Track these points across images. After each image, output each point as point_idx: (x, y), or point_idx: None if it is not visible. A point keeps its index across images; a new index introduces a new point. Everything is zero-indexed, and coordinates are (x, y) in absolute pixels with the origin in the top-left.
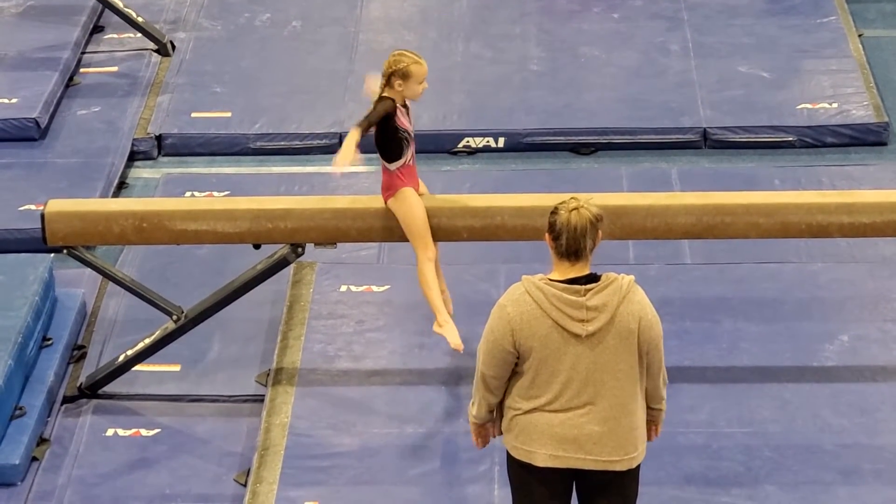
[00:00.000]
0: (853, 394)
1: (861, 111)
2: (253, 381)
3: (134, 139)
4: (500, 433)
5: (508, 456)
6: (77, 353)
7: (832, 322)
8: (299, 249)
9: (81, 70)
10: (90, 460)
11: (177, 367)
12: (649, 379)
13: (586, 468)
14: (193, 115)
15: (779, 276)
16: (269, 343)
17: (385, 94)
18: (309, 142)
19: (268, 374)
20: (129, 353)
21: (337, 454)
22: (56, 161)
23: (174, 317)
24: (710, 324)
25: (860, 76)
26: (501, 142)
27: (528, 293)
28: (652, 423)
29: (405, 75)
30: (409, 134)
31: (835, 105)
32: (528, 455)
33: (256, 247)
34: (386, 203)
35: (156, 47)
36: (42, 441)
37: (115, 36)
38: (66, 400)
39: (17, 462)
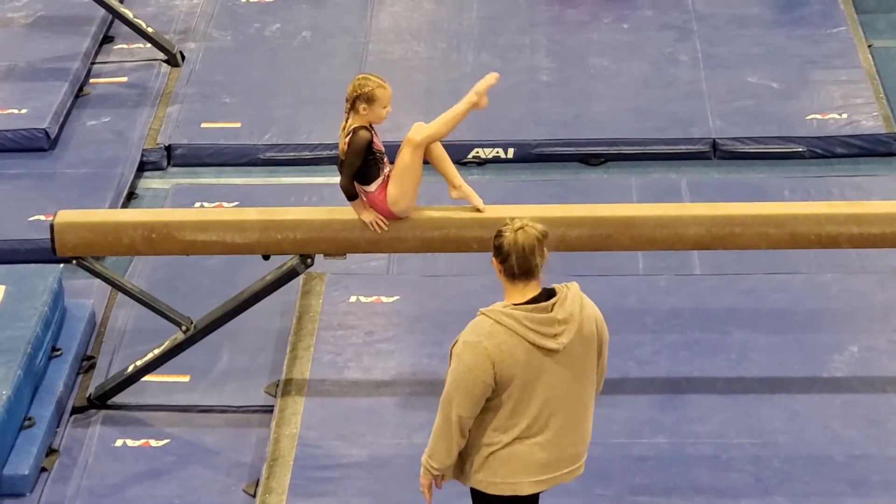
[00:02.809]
0: (863, 405)
1: (871, 122)
2: (262, 392)
3: (143, 149)
4: (454, 477)
5: (477, 493)
6: (86, 363)
7: (842, 333)
8: (309, 260)
9: (91, 80)
10: (99, 471)
11: (186, 378)
12: (599, 376)
13: (563, 482)
14: (203, 125)
15: (788, 286)
16: (279, 354)
17: (352, 125)
18: (318, 152)
19: (277, 385)
20: (139, 363)
21: (346, 465)
22: (66, 171)
23: (183, 327)
24: (720, 334)
25: (870, 87)
26: (511, 153)
27: (498, 323)
28: None
29: (370, 99)
30: (382, 154)
31: (844, 116)
32: (513, 488)
33: (266, 257)
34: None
35: (165, 58)
36: (51, 451)
37: (124, 46)
38: (75, 410)
39: (26, 472)
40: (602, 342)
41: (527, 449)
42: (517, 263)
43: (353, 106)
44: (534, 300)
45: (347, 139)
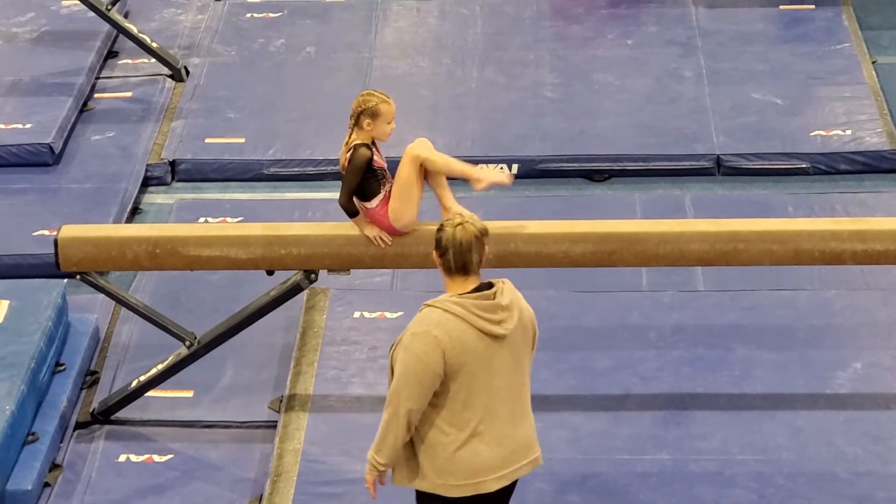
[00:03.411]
0: (867, 421)
1: (875, 138)
2: (266, 408)
3: (148, 164)
4: (407, 483)
5: (433, 498)
6: (90, 378)
7: (845, 349)
8: (313, 276)
9: (96, 95)
10: (103, 486)
11: (190, 393)
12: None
13: (523, 474)
14: (207, 140)
15: (792, 303)
16: (282, 369)
17: (355, 140)
18: (323, 168)
19: (280, 401)
20: (142, 378)
21: (350, 480)
22: (70, 186)
23: (187, 342)
24: (723, 351)
25: (874, 103)
26: (515, 168)
27: (447, 312)
28: None
29: (374, 114)
30: (384, 170)
31: (848, 132)
32: (476, 487)
33: (270, 273)
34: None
35: (170, 73)
36: (54, 467)
37: (129, 61)
38: (78, 425)
39: (29, 488)
40: (535, 337)
41: (485, 445)
42: (454, 258)
43: (357, 121)
44: (478, 289)
45: (348, 155)
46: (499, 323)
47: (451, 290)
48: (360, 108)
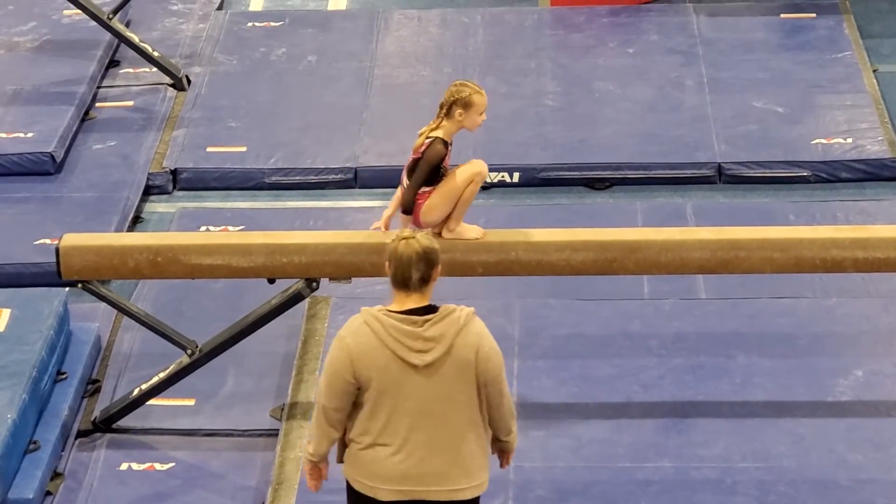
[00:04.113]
0: (868, 429)
1: (876, 146)
2: (267, 416)
3: (149, 173)
4: (340, 461)
5: (348, 484)
6: (91, 387)
7: (847, 357)
8: (314, 284)
9: (97, 104)
10: (104, 494)
11: (191, 402)
12: (492, 410)
13: (431, 499)
14: (209, 149)
15: (793, 311)
16: (284, 377)
17: (436, 133)
18: (324, 177)
19: (282, 409)
20: (144, 387)
21: None
22: (71, 195)
23: (189, 351)
24: (725, 358)
25: (875, 111)
26: (516, 177)
27: (366, 324)
28: (502, 453)
29: (467, 105)
30: (446, 170)
31: (850, 140)
32: (372, 490)
33: (271, 281)
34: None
35: (171, 82)
36: (56, 475)
37: (130, 70)
38: (80, 434)
39: (31, 496)
40: (483, 375)
41: (385, 456)
42: (394, 271)
43: (448, 111)
44: (412, 312)
45: (426, 143)
46: (417, 352)
47: (393, 303)
48: (452, 98)
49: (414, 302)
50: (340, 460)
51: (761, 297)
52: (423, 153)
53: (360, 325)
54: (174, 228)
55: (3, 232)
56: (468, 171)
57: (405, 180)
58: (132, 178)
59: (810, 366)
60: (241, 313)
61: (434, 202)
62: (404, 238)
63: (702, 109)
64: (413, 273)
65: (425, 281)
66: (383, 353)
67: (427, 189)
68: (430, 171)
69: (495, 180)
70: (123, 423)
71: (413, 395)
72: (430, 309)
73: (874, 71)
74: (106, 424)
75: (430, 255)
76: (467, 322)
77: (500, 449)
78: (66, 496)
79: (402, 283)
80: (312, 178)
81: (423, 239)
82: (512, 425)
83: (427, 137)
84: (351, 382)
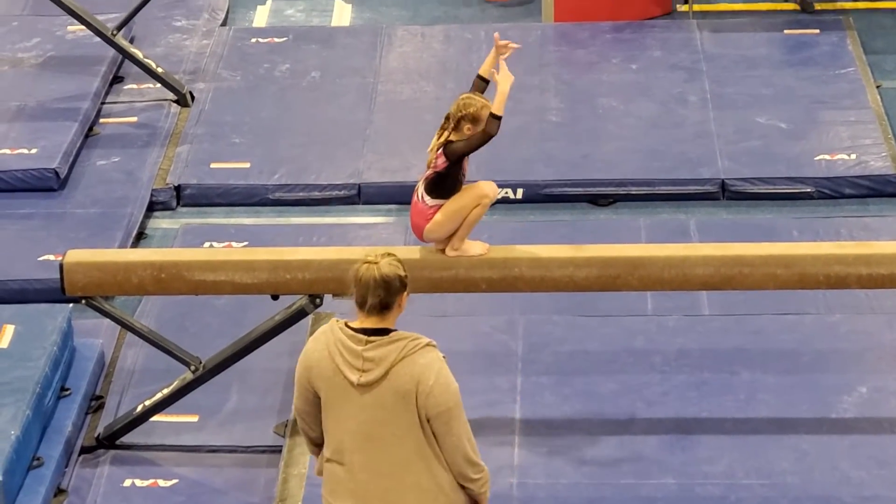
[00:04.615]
0: (872, 446)
1: (879, 162)
2: (271, 432)
3: (153, 189)
4: (318, 474)
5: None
6: (95, 403)
7: (851, 373)
8: (317, 300)
9: (101, 120)
10: None
11: (195, 418)
12: (445, 452)
13: None
14: (212, 165)
15: (797, 327)
16: (287, 394)
17: (452, 139)
18: (328, 192)
19: (286, 425)
20: (147, 403)
21: None
22: (75, 211)
23: (192, 367)
24: (728, 375)
25: (878, 127)
26: (520, 193)
27: (324, 333)
28: (473, 501)
29: (475, 119)
30: (464, 177)
31: (853, 156)
32: (327, 501)
33: (275, 297)
34: (423, 234)
35: (175, 98)
36: (60, 492)
37: (134, 86)
38: (83, 450)
39: None
40: (424, 410)
41: (338, 473)
42: (355, 293)
43: (456, 125)
44: (364, 331)
45: (440, 152)
46: (354, 369)
47: (355, 321)
48: (460, 112)
49: (373, 323)
50: (318, 473)
51: (765, 314)
52: (447, 154)
53: (320, 333)
54: (178, 244)
55: (7, 248)
56: (476, 192)
57: (423, 194)
58: (136, 194)
59: (814, 382)
60: (244, 329)
61: (439, 219)
62: (369, 261)
63: (705, 125)
64: (369, 297)
65: (384, 307)
66: (330, 365)
67: (438, 202)
68: (480, 143)
69: (499, 196)
70: (127, 439)
71: (354, 414)
72: (383, 331)
73: (877, 87)
74: (109, 441)
75: (389, 283)
76: (413, 351)
77: (469, 496)
78: None
79: (360, 304)
80: (316, 194)
81: (386, 266)
82: (469, 472)
83: (439, 146)
84: (307, 388)
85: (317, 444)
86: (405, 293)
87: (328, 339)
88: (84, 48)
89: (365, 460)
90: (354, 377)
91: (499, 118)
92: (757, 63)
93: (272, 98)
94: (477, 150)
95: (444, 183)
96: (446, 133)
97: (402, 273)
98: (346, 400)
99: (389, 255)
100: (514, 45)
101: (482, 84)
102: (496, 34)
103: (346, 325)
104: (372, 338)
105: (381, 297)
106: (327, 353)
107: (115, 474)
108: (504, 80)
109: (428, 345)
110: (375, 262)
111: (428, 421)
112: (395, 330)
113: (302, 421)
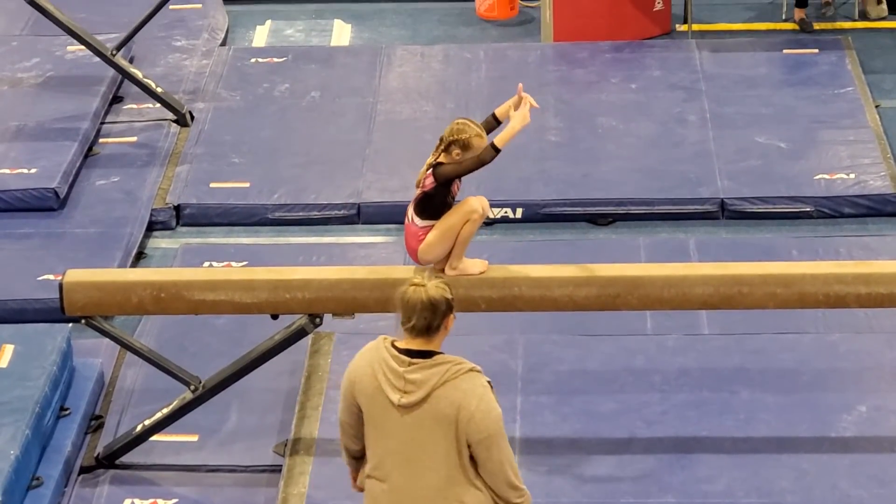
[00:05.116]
0: (872, 465)
1: (878, 182)
2: (271, 452)
3: (152, 209)
4: (358, 489)
5: None
6: (94, 423)
7: (850, 392)
8: (317, 320)
9: (100, 140)
10: None
11: (194, 438)
12: (486, 476)
13: None
14: (212, 185)
15: (796, 346)
16: (287, 413)
17: (442, 161)
18: (327, 212)
19: (285, 445)
20: (147, 423)
21: None
22: (75, 231)
23: (192, 387)
24: (728, 394)
25: (877, 147)
26: (519, 212)
27: (370, 350)
28: None
29: (466, 146)
30: (454, 199)
31: (852, 176)
32: None
33: (274, 317)
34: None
35: (174, 117)
36: None
37: (134, 106)
38: (83, 470)
39: None
40: (466, 436)
41: (378, 490)
42: (401, 315)
43: (447, 148)
44: (409, 352)
45: (429, 172)
46: (396, 389)
47: (401, 341)
48: (452, 137)
49: (419, 345)
50: (358, 486)
51: (764, 333)
52: (436, 177)
53: (367, 349)
54: (177, 264)
55: (7, 268)
56: (465, 208)
57: (413, 216)
58: (135, 214)
59: (814, 401)
60: (244, 349)
61: (431, 240)
62: (415, 284)
63: (704, 145)
64: (415, 319)
65: (431, 329)
66: (372, 383)
67: (428, 223)
68: (474, 167)
69: (498, 216)
70: (127, 458)
71: (394, 433)
72: (427, 354)
73: (877, 106)
74: (109, 460)
75: (436, 305)
76: (456, 376)
77: None
78: None
79: (406, 326)
80: (316, 214)
81: (433, 288)
82: (511, 496)
83: (428, 168)
84: (351, 402)
85: (354, 458)
86: (451, 316)
87: (373, 357)
88: (84, 68)
89: (403, 481)
90: (395, 397)
91: (498, 150)
92: (756, 83)
93: (272, 118)
94: (468, 174)
95: (432, 203)
96: (437, 154)
97: (449, 296)
98: (387, 418)
99: (437, 276)
100: (534, 104)
101: (493, 123)
102: (520, 85)
103: (393, 343)
104: (415, 360)
105: (428, 319)
106: (371, 371)
107: (115, 494)
108: (519, 119)
109: (472, 370)
110: (423, 285)
111: (469, 446)
112: (440, 353)
113: (344, 434)
